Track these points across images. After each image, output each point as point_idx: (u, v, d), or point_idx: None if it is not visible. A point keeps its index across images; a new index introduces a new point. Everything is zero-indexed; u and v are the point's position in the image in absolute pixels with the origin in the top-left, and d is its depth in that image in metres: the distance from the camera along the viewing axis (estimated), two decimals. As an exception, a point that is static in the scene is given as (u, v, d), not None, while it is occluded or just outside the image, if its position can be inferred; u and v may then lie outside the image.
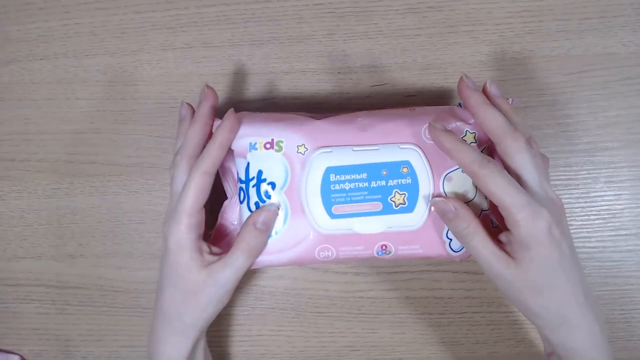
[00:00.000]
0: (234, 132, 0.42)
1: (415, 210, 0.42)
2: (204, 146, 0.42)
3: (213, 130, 0.43)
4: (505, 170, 0.38)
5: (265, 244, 0.42)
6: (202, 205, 0.41)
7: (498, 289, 0.41)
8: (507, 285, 0.39)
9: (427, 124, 0.42)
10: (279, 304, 0.52)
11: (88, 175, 0.52)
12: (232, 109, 0.42)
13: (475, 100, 0.41)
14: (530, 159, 0.39)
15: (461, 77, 0.42)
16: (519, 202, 0.37)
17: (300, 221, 0.42)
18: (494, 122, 0.40)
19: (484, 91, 0.43)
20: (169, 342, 0.42)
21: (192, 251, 0.41)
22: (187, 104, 0.46)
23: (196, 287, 0.41)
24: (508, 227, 0.38)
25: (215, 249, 0.43)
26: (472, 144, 0.42)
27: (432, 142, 0.42)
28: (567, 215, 0.51)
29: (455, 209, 0.40)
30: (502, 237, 0.40)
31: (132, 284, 0.53)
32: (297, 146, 0.42)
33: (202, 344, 0.45)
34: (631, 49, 0.51)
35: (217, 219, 0.47)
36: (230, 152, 0.44)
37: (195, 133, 0.42)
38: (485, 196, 0.43)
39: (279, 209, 0.42)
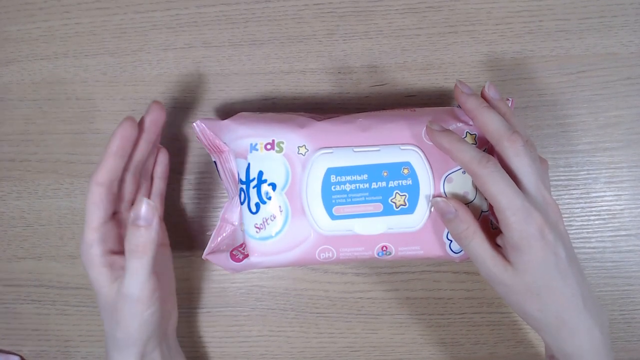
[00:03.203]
0: (130, 140, 0.40)
1: (416, 211, 0.42)
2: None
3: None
4: (504, 171, 0.38)
5: (154, 240, 0.38)
6: (105, 219, 0.40)
7: (497, 292, 0.41)
8: (505, 289, 0.39)
9: (430, 120, 0.42)
10: (279, 305, 0.52)
11: (88, 176, 0.52)
12: (130, 116, 0.40)
13: (471, 104, 0.41)
14: (528, 162, 0.39)
15: (456, 84, 0.43)
16: (513, 204, 0.37)
17: (301, 222, 0.42)
18: (491, 125, 0.40)
19: (482, 94, 0.43)
20: (114, 358, 0.41)
21: (101, 266, 0.39)
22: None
23: (111, 303, 0.40)
24: (501, 229, 0.39)
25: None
26: (472, 144, 0.42)
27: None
28: (567, 216, 0.51)
29: (455, 210, 0.40)
30: (498, 240, 0.40)
31: (132, 284, 0.52)
32: (298, 147, 0.42)
33: (156, 354, 0.43)
34: (631, 49, 0.51)
35: (217, 219, 0.47)
36: (230, 152, 0.44)
37: (139, 147, 0.42)
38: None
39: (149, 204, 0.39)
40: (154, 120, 0.43)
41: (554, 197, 0.49)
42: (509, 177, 0.38)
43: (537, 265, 0.38)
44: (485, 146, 0.43)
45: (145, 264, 0.38)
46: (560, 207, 0.51)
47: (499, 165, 0.38)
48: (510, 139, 0.39)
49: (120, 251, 0.41)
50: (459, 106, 0.44)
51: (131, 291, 0.38)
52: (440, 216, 0.42)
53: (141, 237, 0.38)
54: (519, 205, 0.37)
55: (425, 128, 0.42)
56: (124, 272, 0.39)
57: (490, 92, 0.43)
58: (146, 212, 0.38)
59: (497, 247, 0.40)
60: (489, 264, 0.39)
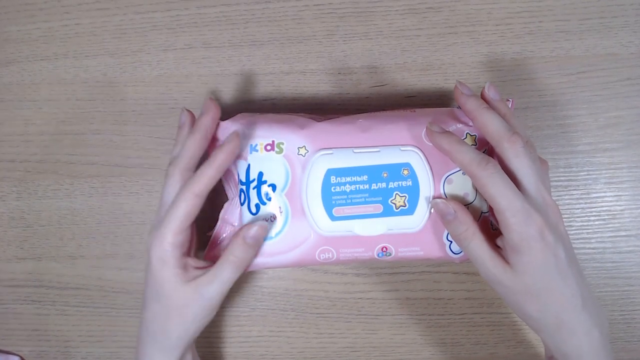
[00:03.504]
0: (234, 155, 0.41)
1: (416, 212, 0.42)
2: (200, 158, 0.42)
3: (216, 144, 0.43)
4: (504, 172, 0.38)
5: (252, 258, 0.42)
6: (189, 225, 0.41)
7: (496, 293, 0.41)
8: (504, 290, 0.39)
9: (430, 120, 0.42)
10: (279, 305, 0.52)
11: (88, 176, 0.52)
12: (237, 130, 0.41)
13: (471, 105, 0.41)
14: (528, 163, 0.39)
15: (456, 85, 0.42)
16: (513, 205, 0.37)
17: (301, 223, 0.42)
18: (491, 126, 0.40)
19: (482, 95, 0.43)
20: (154, 358, 0.42)
21: (176, 268, 0.40)
22: (187, 110, 0.45)
23: (181, 303, 0.40)
24: (501, 230, 0.38)
25: (200, 263, 0.42)
26: (472, 146, 0.42)
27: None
28: (567, 216, 0.51)
29: (455, 212, 0.40)
30: (498, 242, 0.40)
31: (132, 284, 0.52)
32: (298, 148, 0.42)
33: (189, 357, 0.44)
34: (631, 50, 0.51)
35: (217, 220, 0.47)
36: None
37: (193, 145, 0.42)
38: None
39: (275, 218, 0.42)
40: (214, 119, 0.43)
41: (554, 198, 0.50)
42: (508, 178, 0.38)
43: (536, 266, 0.38)
44: (486, 147, 0.43)
45: (236, 276, 0.41)
46: (560, 207, 0.50)
47: (498, 166, 0.38)
48: (510, 140, 0.39)
49: (187, 252, 0.42)
50: (459, 107, 0.44)
51: (213, 296, 0.41)
52: (439, 217, 0.42)
53: (245, 253, 0.41)
54: (518, 206, 0.37)
55: (425, 129, 0.42)
56: (199, 274, 0.41)
57: (490, 93, 0.43)
58: (257, 232, 0.41)
59: (496, 248, 0.40)
60: (488, 265, 0.39)
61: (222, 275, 0.40)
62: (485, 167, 0.38)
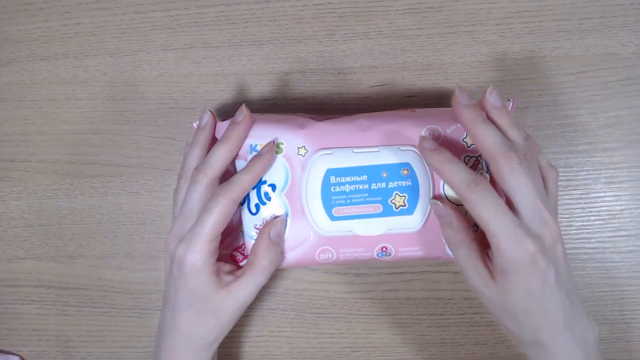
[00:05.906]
0: (271, 164, 0.42)
1: (416, 212, 0.42)
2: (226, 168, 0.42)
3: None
4: (496, 193, 0.37)
5: (281, 255, 0.43)
6: (222, 230, 0.41)
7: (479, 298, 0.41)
8: (485, 300, 0.40)
9: (425, 129, 0.42)
10: (279, 305, 0.52)
11: (88, 176, 0.52)
12: (273, 141, 0.42)
13: (467, 116, 0.39)
14: (524, 180, 0.37)
15: (455, 92, 0.40)
16: (504, 230, 0.36)
17: (301, 223, 0.42)
18: (486, 140, 0.37)
19: (483, 99, 0.40)
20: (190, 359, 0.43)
21: (211, 274, 0.40)
22: (211, 111, 0.44)
23: (217, 307, 0.41)
24: (492, 250, 0.37)
25: (228, 267, 0.43)
26: (472, 146, 0.42)
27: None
28: (567, 216, 0.51)
29: (449, 216, 0.40)
30: (490, 253, 0.39)
31: (132, 284, 0.53)
32: (298, 148, 0.42)
33: (215, 357, 0.46)
34: (631, 49, 0.51)
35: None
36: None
37: (225, 154, 0.41)
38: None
39: (287, 216, 0.43)
40: (247, 129, 0.42)
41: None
42: (500, 200, 0.36)
43: (520, 292, 0.37)
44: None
45: (267, 278, 0.42)
46: (560, 207, 0.51)
47: (489, 188, 0.37)
48: (505, 156, 0.36)
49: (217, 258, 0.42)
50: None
51: (248, 299, 0.42)
52: (437, 218, 0.42)
53: (275, 253, 0.42)
54: (509, 231, 0.36)
55: (427, 128, 0.42)
56: (232, 280, 0.41)
57: (492, 98, 0.39)
58: (278, 229, 0.42)
59: (485, 258, 0.39)
60: (472, 275, 0.39)
61: (257, 280, 0.41)
62: (474, 189, 0.36)
